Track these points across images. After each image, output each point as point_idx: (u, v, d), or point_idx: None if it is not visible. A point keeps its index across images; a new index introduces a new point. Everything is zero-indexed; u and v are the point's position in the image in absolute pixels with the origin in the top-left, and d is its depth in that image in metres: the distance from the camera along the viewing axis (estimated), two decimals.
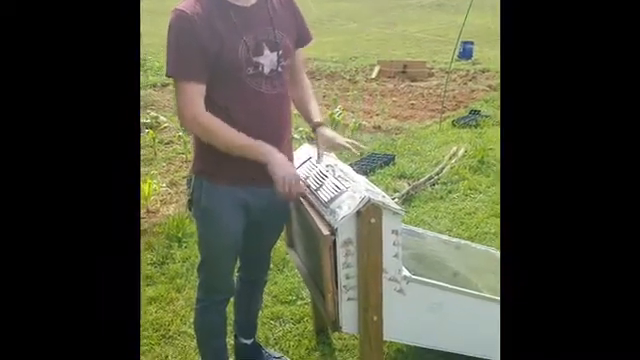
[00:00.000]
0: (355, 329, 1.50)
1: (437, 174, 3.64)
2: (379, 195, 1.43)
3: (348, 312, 1.48)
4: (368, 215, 1.36)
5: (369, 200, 1.36)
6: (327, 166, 1.64)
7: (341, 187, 1.48)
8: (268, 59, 1.45)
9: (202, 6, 1.38)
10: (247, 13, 1.43)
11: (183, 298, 2.32)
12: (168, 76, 1.46)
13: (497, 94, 6.17)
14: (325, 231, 1.40)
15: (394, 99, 6.15)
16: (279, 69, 1.47)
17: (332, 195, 1.47)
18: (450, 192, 3.37)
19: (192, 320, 1.79)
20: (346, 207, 1.39)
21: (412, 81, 7.04)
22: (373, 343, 1.50)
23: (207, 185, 1.51)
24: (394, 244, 1.43)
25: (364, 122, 5.03)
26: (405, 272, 1.49)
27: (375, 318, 1.47)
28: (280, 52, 1.46)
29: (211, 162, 1.49)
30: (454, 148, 4.12)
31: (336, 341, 2.03)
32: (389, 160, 3.93)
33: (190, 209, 1.62)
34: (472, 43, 8.55)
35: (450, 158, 3.94)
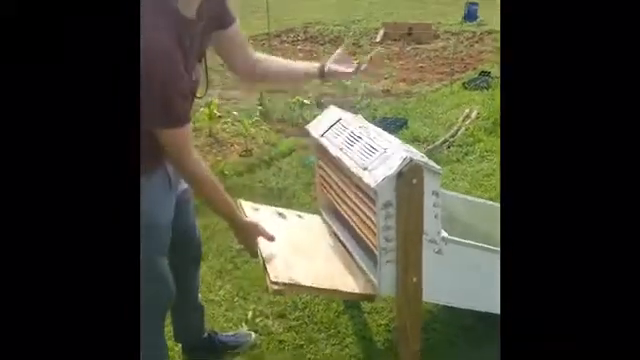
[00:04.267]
0: (393, 291, 1.49)
1: (452, 137, 3.59)
2: (418, 155, 1.39)
3: (387, 274, 1.46)
4: (410, 175, 1.32)
5: (411, 160, 1.32)
6: (360, 127, 1.59)
7: (377, 148, 1.43)
8: (199, 72, 1.33)
9: (168, 30, 1.16)
10: (192, 26, 1.25)
11: (206, 266, 2.31)
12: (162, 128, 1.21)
13: None
14: (370, 193, 1.37)
15: (401, 62, 6.04)
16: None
17: (368, 156, 1.43)
18: (466, 154, 3.33)
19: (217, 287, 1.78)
20: (385, 168, 1.35)
21: (418, 44, 6.90)
22: (412, 305, 1.49)
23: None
24: (434, 205, 1.40)
25: (373, 86, 4.94)
26: (443, 233, 1.47)
27: (415, 279, 1.45)
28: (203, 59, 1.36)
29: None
30: (467, 110, 4.05)
31: (364, 304, 2.03)
32: (402, 124, 3.87)
33: None
34: (477, 4, 8.36)
35: (463, 120, 3.88)
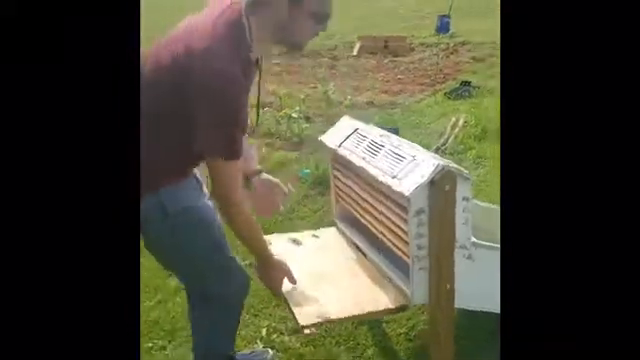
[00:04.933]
0: (426, 299, 1.48)
1: (443, 144, 3.64)
2: (448, 162, 1.40)
3: (420, 282, 1.45)
4: (442, 183, 1.33)
5: (443, 167, 1.32)
6: (381, 136, 1.59)
7: (405, 155, 1.43)
8: None
9: (242, 65, 1.20)
10: (253, 70, 1.31)
11: None
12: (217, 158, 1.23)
13: (482, 65, 6.21)
14: (402, 201, 1.37)
15: (381, 74, 6.11)
16: None
17: (396, 164, 1.43)
18: (460, 161, 3.37)
19: None
20: (417, 175, 1.35)
21: (394, 56, 7.00)
22: (445, 312, 1.48)
23: (170, 189, 1.28)
24: (464, 211, 1.41)
25: (357, 98, 4.98)
26: (473, 238, 1.47)
27: (448, 286, 1.45)
28: None
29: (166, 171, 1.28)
30: (453, 118, 4.12)
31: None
32: (394, 133, 3.90)
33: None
34: (449, 17, 8.55)
35: (452, 128, 3.94)
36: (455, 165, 1.38)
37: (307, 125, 4.32)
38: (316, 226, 1.93)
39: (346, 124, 1.79)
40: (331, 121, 4.90)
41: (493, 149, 3.56)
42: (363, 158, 1.55)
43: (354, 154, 1.60)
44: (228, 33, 1.19)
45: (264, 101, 5.13)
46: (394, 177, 1.40)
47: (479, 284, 1.50)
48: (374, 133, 1.63)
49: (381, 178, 1.44)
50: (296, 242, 1.83)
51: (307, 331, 1.41)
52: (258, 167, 1.58)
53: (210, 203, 1.41)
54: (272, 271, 1.48)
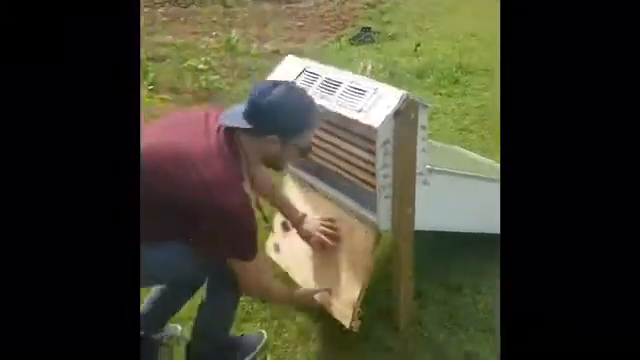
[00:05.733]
0: (389, 225, 1.58)
1: None
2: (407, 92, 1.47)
3: (385, 210, 1.55)
4: (408, 112, 1.40)
5: (408, 97, 1.39)
6: (334, 72, 1.62)
7: (366, 88, 1.48)
8: None
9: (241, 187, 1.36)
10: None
11: None
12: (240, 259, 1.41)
13: (375, 11, 6.36)
14: (368, 134, 1.42)
15: (281, 22, 6.01)
16: None
17: (359, 98, 1.47)
18: None
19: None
20: (383, 107, 1.41)
21: (287, 2, 6.90)
22: (405, 235, 1.60)
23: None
24: (422, 139, 1.51)
25: (265, 46, 4.89)
26: (428, 165, 1.59)
27: (410, 211, 1.56)
28: None
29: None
30: (362, 64, 4.23)
31: None
32: None
33: None
34: None
35: (362, 73, 4.05)
36: (414, 95, 1.46)
37: (216, 77, 4.18)
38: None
39: (292, 64, 1.78)
40: (240, 72, 4.77)
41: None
42: (321, 97, 1.57)
43: (310, 92, 1.61)
44: (230, 163, 1.32)
45: (158, 53, 4.84)
46: (359, 111, 1.45)
47: (434, 207, 1.64)
48: (325, 70, 1.65)
49: (345, 113, 1.48)
50: (285, 226, 1.89)
51: (354, 324, 1.62)
52: (300, 214, 1.75)
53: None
54: (303, 303, 1.76)
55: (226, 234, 1.32)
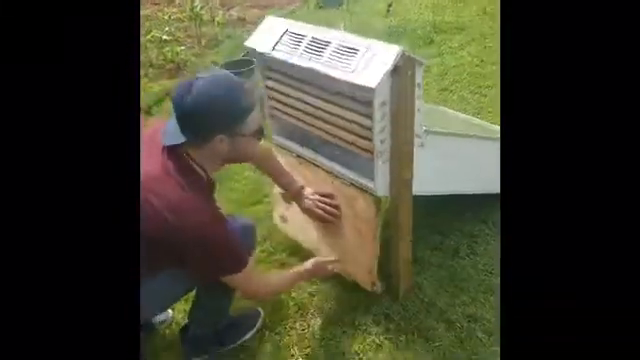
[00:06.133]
0: (387, 191, 1.52)
1: None
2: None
3: (382, 175, 1.47)
4: (405, 69, 1.31)
5: (404, 52, 1.30)
6: (321, 32, 1.51)
7: (358, 47, 1.38)
8: None
9: (208, 204, 1.33)
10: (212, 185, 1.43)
11: None
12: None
13: None
14: (364, 95, 1.33)
15: None
16: None
17: (351, 58, 1.37)
18: None
19: None
20: (379, 65, 1.31)
21: None
22: (405, 200, 1.54)
23: None
24: (418, 98, 1.42)
25: (231, 13, 4.68)
26: (424, 126, 1.51)
27: (408, 175, 1.49)
28: None
29: None
30: (334, 26, 4.10)
31: None
32: None
33: None
34: None
35: None
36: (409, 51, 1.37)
37: (181, 48, 3.98)
38: None
39: (272, 24, 1.65)
40: (206, 43, 4.59)
41: None
42: (309, 59, 1.46)
43: (295, 56, 1.50)
44: (186, 183, 1.23)
45: None
46: (353, 71, 1.35)
47: (430, 170, 1.58)
48: (310, 30, 1.53)
49: (337, 75, 1.38)
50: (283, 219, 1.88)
51: (376, 288, 1.64)
52: (298, 185, 1.68)
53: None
54: (313, 276, 1.68)
55: (207, 255, 1.24)
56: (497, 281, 1.75)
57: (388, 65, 1.29)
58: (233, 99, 1.22)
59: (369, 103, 1.35)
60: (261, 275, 1.58)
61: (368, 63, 1.34)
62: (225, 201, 2.31)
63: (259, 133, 1.32)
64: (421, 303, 1.71)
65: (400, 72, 1.31)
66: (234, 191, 2.41)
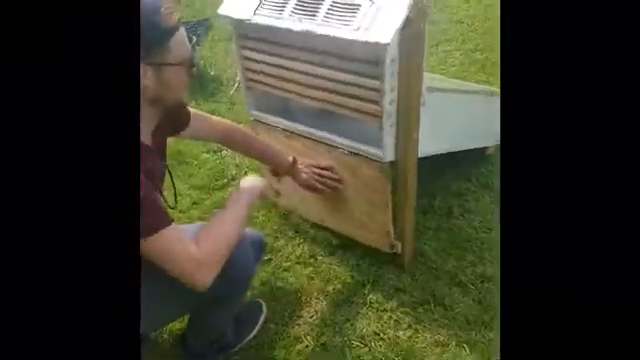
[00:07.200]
0: (393, 155, 1.42)
1: None
2: None
3: (389, 139, 1.38)
4: (418, 20, 1.21)
5: (415, 2, 1.20)
6: None
7: (359, 1, 1.25)
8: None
9: None
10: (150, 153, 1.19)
11: None
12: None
13: None
14: (372, 54, 1.21)
15: None
16: None
17: (353, 14, 1.25)
18: None
19: None
20: (387, 18, 1.20)
21: None
22: (410, 162, 1.46)
23: None
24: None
25: None
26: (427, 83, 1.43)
27: (415, 135, 1.41)
28: None
29: None
30: None
31: None
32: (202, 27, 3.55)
33: None
34: None
35: None
36: None
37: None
38: None
39: None
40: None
41: None
42: (299, 20, 1.31)
43: (283, 19, 1.35)
44: None
45: None
46: (357, 29, 1.23)
47: (432, 129, 1.51)
48: None
49: (340, 34, 1.24)
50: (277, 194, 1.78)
51: (396, 249, 1.60)
52: (290, 158, 1.53)
53: None
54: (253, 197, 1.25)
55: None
56: (497, 237, 1.74)
57: (400, 18, 1.19)
58: (149, 18, 0.98)
59: (377, 62, 1.24)
60: (187, 236, 1.08)
61: (375, 19, 1.22)
62: (187, 188, 2.11)
63: (190, 62, 1.10)
64: (429, 270, 1.66)
65: (412, 25, 1.21)
66: (194, 177, 2.20)
